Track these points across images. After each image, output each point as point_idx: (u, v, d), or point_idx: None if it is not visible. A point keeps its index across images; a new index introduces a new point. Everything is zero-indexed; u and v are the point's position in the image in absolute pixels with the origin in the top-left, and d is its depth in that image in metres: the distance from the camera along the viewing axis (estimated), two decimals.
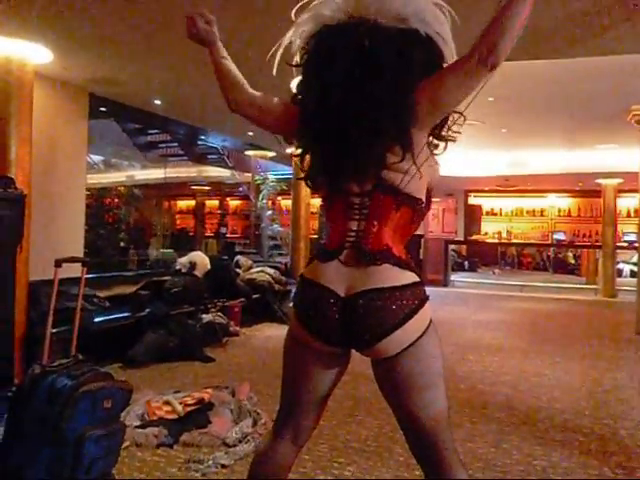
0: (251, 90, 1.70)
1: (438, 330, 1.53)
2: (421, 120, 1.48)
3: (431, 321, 1.51)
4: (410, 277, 1.49)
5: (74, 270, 3.14)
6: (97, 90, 5.97)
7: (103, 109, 6.78)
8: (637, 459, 3.00)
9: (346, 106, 1.49)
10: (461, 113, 1.58)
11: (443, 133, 1.61)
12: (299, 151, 1.65)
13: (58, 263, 2.69)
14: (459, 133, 1.62)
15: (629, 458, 3.00)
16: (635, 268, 8.38)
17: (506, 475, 2.75)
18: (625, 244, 12.74)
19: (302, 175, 1.66)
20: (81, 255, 5.44)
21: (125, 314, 5.13)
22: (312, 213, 9.87)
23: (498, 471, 2.81)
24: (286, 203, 11.90)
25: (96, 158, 12.08)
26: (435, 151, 1.62)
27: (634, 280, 7.88)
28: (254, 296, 6.94)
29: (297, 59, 1.70)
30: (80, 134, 5.94)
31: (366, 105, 1.47)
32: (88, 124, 6.10)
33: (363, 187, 1.53)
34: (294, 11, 1.68)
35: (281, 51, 1.69)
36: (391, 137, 1.47)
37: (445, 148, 1.63)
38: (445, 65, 1.55)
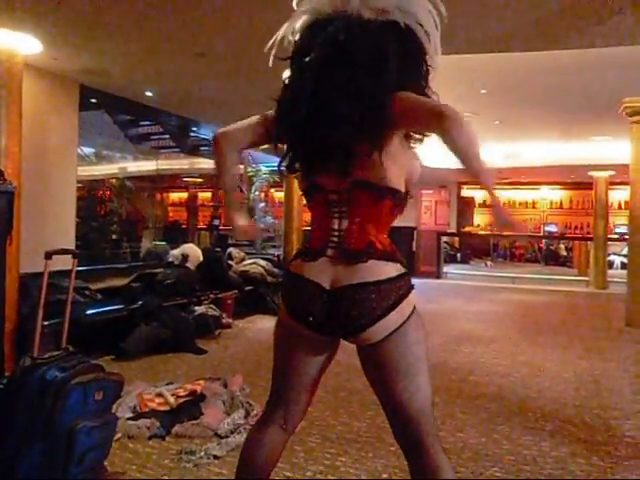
0: (234, 131, 1.71)
1: (423, 318, 1.58)
2: (394, 125, 1.49)
3: (414, 309, 1.56)
4: (394, 269, 1.53)
5: (65, 262, 3.13)
6: (88, 81, 5.93)
7: (94, 100, 6.75)
8: (625, 448, 3.03)
9: (318, 101, 1.51)
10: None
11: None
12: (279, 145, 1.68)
13: (48, 255, 2.68)
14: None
15: (617, 447, 3.03)
16: (626, 260, 8.44)
17: (496, 464, 2.77)
18: (616, 236, 12.82)
19: (283, 169, 1.67)
20: (72, 247, 5.42)
21: (117, 306, 5.11)
22: (305, 205, 9.87)
23: (488, 460, 2.84)
24: (279, 195, 11.88)
25: (87, 150, 12.00)
26: (412, 144, 1.62)
27: (625, 272, 7.93)
28: (247, 288, 6.94)
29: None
30: (71, 125, 5.91)
31: (337, 100, 1.48)
32: (79, 115, 6.06)
33: (340, 184, 1.55)
34: (295, 1, 1.70)
35: (276, 44, 1.71)
36: (362, 132, 1.48)
37: (422, 141, 1.63)
38: (426, 63, 1.58)
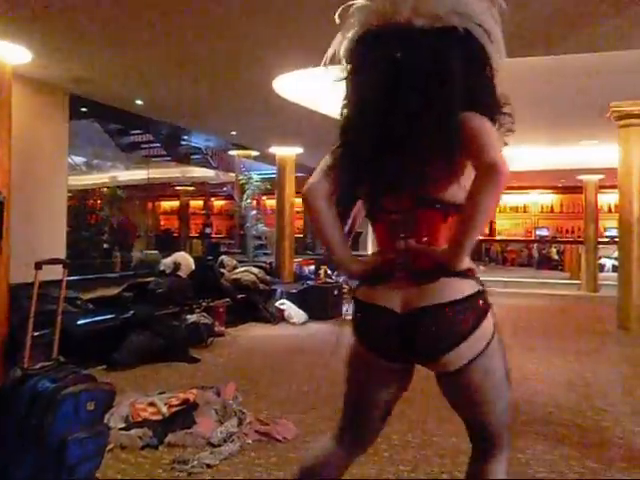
0: (321, 183, 1.56)
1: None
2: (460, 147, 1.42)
3: (494, 331, 1.49)
4: (470, 287, 1.44)
5: (56, 272, 3.11)
6: (77, 90, 5.92)
7: (84, 109, 6.73)
8: (617, 451, 3.04)
9: (385, 125, 1.44)
10: (510, 114, 1.53)
11: None
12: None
13: (38, 265, 2.67)
14: (511, 132, 1.56)
15: (610, 450, 3.05)
16: (617, 263, 8.50)
17: None
18: (607, 239, 12.90)
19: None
20: (63, 257, 5.39)
21: (109, 316, 5.09)
22: (297, 212, 9.87)
23: None
24: (271, 203, 11.88)
25: (78, 159, 11.97)
26: None
27: (616, 275, 7.97)
28: (239, 296, 6.94)
29: (342, 70, 1.61)
30: (60, 135, 5.89)
31: (406, 122, 1.41)
32: (69, 125, 6.05)
33: (402, 204, 1.48)
34: (337, 14, 1.60)
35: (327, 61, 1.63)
36: (434, 154, 1.41)
37: None
38: (491, 64, 1.50)
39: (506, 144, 1.51)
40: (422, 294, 1.43)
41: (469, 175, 1.42)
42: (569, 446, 3.10)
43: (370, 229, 1.66)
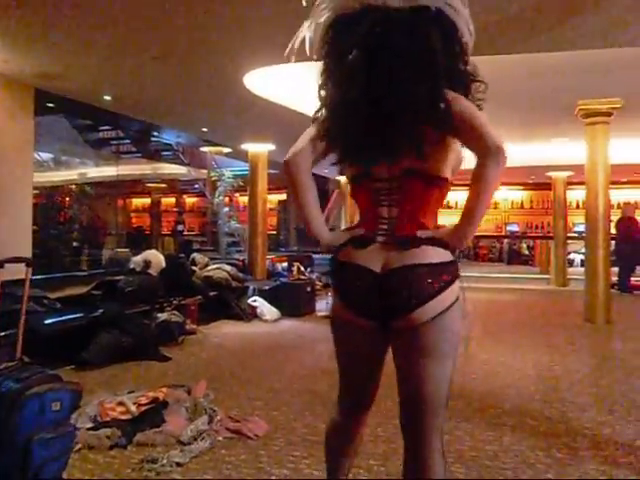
0: (304, 153, 1.64)
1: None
2: (449, 131, 1.53)
3: (458, 297, 1.58)
4: (446, 256, 1.55)
5: (23, 271, 3.05)
6: (43, 85, 5.80)
7: (50, 105, 6.59)
8: (582, 440, 3.11)
9: (373, 93, 1.51)
10: (482, 81, 1.64)
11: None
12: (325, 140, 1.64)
13: (0, 264, 2.61)
14: (482, 100, 1.64)
15: (575, 439, 3.11)
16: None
17: (458, 460, 2.81)
18: (575, 235, 13.17)
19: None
20: (29, 256, 5.29)
21: (77, 315, 4.99)
22: (270, 209, 9.85)
23: (450, 457, 2.85)
24: (244, 199, 11.83)
25: (45, 156, 11.72)
26: None
27: (584, 269, 8.14)
28: (211, 293, 6.88)
29: (315, 50, 1.66)
30: (26, 130, 5.76)
31: (395, 91, 1.49)
32: (35, 120, 5.92)
33: (392, 171, 1.57)
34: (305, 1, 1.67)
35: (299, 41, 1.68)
36: (423, 127, 1.50)
37: None
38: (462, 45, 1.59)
39: (481, 108, 1.60)
40: (402, 256, 1.53)
41: (454, 152, 1.58)
42: (536, 437, 3.16)
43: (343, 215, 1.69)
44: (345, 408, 1.80)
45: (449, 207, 14.92)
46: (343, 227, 13.01)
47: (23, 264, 3.03)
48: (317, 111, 1.67)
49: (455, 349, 1.59)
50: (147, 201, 17.22)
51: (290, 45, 1.69)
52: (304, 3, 1.66)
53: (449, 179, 1.62)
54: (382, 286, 1.54)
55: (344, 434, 1.82)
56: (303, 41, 1.67)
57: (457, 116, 1.49)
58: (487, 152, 1.45)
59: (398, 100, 1.49)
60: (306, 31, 1.66)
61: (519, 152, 10.81)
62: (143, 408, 3.28)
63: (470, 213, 1.53)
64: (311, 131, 1.66)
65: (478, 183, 1.48)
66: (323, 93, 1.66)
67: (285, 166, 1.64)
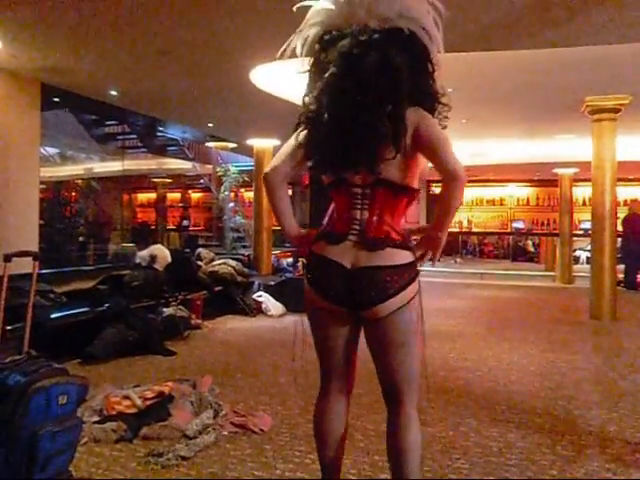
0: (280, 170, 1.90)
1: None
2: (414, 146, 1.77)
3: (417, 293, 1.84)
4: (406, 257, 1.81)
5: (30, 266, 3.06)
6: (50, 80, 5.81)
7: (56, 99, 6.60)
8: (587, 437, 3.10)
9: (342, 111, 1.73)
10: (447, 104, 1.86)
11: None
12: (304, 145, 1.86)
13: (7, 258, 2.63)
14: (445, 126, 1.87)
15: (580, 437, 3.11)
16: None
17: (463, 456, 2.81)
18: (581, 232, 13.11)
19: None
20: (36, 250, 5.31)
21: (84, 309, 5.02)
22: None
23: (455, 453, 2.87)
24: (249, 195, 11.83)
25: (51, 150, 11.75)
26: None
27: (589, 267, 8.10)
28: (216, 288, 6.90)
29: (305, 64, 1.89)
30: (32, 125, 5.77)
31: (360, 111, 1.70)
32: (41, 115, 5.93)
33: (365, 179, 1.80)
34: (296, 8, 1.91)
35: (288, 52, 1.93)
36: (384, 138, 1.71)
37: None
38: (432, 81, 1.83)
39: (445, 127, 1.85)
40: (369, 257, 1.78)
41: (422, 165, 1.84)
42: (541, 434, 3.15)
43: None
44: (325, 389, 2.00)
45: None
46: None
47: (30, 258, 3.05)
48: (299, 116, 1.86)
49: (415, 338, 1.85)
50: (153, 196, 17.26)
51: (282, 49, 1.91)
52: (294, 10, 1.85)
53: (416, 188, 1.86)
54: (351, 282, 1.78)
55: (328, 413, 1.98)
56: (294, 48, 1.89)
57: (419, 137, 1.73)
58: (447, 176, 1.72)
59: (361, 119, 1.70)
60: (296, 40, 1.89)
61: (525, 148, 10.79)
62: (149, 402, 3.29)
63: (439, 225, 1.84)
64: (291, 144, 1.88)
65: (442, 202, 1.79)
66: (306, 100, 1.85)
67: (264, 180, 1.90)
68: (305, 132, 1.83)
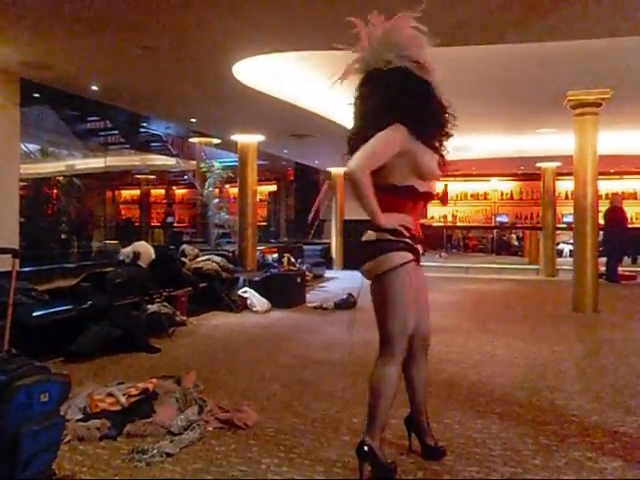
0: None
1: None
2: None
3: (398, 266, 2.39)
4: (370, 236, 2.45)
5: (10, 263, 3.01)
6: (29, 75, 5.73)
7: (37, 95, 6.51)
8: (570, 427, 3.14)
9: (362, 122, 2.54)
10: (452, 115, 2.73)
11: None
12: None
13: None
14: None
15: (563, 426, 3.14)
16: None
17: (447, 447, 2.83)
18: (564, 225, 13.23)
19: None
20: (16, 247, 5.23)
21: (66, 307, 4.98)
22: (260, 200, 9.83)
23: (439, 445, 2.89)
24: (234, 191, 11.76)
25: (32, 147, 11.59)
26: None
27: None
28: (201, 285, 6.86)
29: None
30: (11, 121, 5.69)
31: (367, 124, 2.46)
32: (21, 111, 5.85)
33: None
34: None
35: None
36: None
37: (448, 136, 2.76)
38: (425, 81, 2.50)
39: (451, 135, 2.71)
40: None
41: (396, 169, 2.42)
42: (524, 424, 3.19)
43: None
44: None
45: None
46: (333, 218, 13.04)
47: (9, 255, 3.00)
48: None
49: (389, 304, 2.41)
50: (136, 193, 17.11)
51: (334, 81, 2.59)
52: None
53: (398, 185, 2.42)
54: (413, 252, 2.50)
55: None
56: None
57: None
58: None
59: (357, 135, 2.48)
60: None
61: (508, 142, 10.85)
62: (133, 399, 3.27)
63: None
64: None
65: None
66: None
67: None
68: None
